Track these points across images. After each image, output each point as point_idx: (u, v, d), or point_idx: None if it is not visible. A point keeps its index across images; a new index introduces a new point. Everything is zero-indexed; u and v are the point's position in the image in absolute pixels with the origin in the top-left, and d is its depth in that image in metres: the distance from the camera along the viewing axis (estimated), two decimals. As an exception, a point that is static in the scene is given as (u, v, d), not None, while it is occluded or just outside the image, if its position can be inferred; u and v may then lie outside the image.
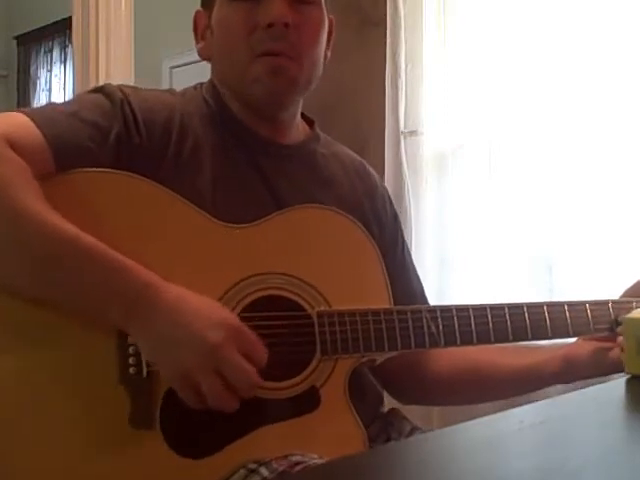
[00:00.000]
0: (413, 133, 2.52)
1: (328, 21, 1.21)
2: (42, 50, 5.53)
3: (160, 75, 4.19)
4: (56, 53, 5.43)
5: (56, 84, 5.45)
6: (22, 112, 1.05)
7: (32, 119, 1.03)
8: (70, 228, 0.96)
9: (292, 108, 1.21)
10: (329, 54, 1.23)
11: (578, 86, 2.22)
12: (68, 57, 5.20)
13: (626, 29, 2.13)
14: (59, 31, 5.19)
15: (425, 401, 1.42)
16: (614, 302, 1.18)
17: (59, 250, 0.96)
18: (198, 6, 1.23)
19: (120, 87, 1.13)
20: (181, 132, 1.12)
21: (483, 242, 2.38)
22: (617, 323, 1.16)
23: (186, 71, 3.80)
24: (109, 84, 1.15)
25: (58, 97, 5.32)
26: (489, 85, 2.40)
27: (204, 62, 1.23)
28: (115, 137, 1.06)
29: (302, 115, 1.27)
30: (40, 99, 5.52)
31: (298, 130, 1.24)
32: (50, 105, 1.17)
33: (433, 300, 1.38)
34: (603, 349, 1.17)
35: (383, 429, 1.21)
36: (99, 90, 1.12)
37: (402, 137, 2.53)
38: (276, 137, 1.20)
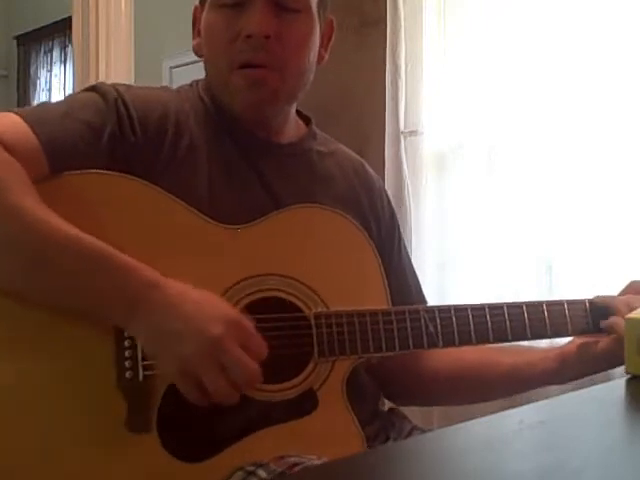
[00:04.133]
0: (413, 133, 2.52)
1: (327, 22, 1.20)
2: (42, 50, 5.53)
3: (160, 75, 4.19)
4: (56, 53, 5.42)
5: (56, 84, 5.44)
6: (14, 112, 1.03)
7: (25, 120, 1.01)
8: (69, 228, 0.95)
9: (280, 115, 1.19)
10: (326, 56, 1.21)
11: (578, 86, 2.22)
12: (68, 57, 5.20)
13: (626, 30, 2.13)
14: (59, 31, 5.19)
15: (422, 401, 1.41)
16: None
17: (59, 250, 0.95)
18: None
19: (114, 85, 1.11)
20: (177, 130, 1.11)
21: (483, 242, 2.38)
22: (593, 313, 1.17)
23: (186, 71, 3.79)
24: (102, 83, 1.14)
25: (58, 97, 5.30)
26: (489, 85, 2.40)
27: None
28: (109, 136, 1.05)
29: (298, 113, 1.26)
30: (40, 99, 5.51)
31: (293, 129, 1.23)
32: (43, 105, 1.16)
33: (433, 300, 1.38)
34: (590, 342, 1.17)
35: (383, 429, 1.20)
36: (92, 89, 1.11)
37: (402, 137, 2.53)
38: (271, 136, 1.19)
